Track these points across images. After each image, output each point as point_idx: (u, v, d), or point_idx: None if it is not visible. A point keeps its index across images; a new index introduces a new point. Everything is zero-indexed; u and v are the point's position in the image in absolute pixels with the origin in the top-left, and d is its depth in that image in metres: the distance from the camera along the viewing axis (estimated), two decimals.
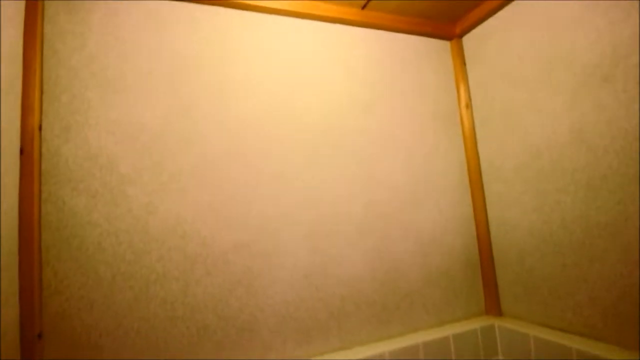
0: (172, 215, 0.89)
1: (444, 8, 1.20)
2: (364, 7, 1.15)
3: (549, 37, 1.01)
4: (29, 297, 0.74)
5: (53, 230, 0.80)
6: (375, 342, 1.04)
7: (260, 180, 0.99)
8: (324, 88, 1.11)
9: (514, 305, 1.15)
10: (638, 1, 0.81)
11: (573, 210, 0.96)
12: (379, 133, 1.16)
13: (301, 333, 0.97)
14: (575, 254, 0.96)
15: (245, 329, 0.92)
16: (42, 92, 0.83)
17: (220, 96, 0.98)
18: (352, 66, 1.16)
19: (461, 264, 1.21)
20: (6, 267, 0.70)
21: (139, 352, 0.82)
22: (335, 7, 1.13)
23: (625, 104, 0.84)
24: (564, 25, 0.97)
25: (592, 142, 0.91)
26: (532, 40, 1.06)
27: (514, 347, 1.06)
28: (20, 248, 0.75)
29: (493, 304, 1.20)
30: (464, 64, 1.31)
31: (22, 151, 0.78)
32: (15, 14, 0.78)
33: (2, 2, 0.72)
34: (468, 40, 1.30)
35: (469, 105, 1.29)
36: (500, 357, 1.11)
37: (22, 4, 0.81)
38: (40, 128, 0.81)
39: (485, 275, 1.22)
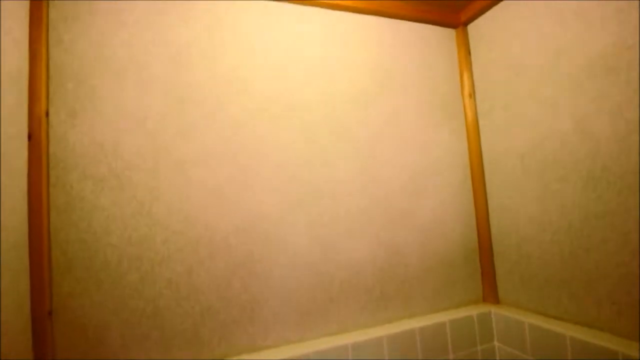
0: (175, 199, 0.91)
1: None
2: None
3: (553, 27, 1.00)
4: (39, 276, 0.77)
5: (61, 213, 0.82)
6: (373, 326, 1.07)
7: (262, 168, 1.01)
8: (326, 78, 1.11)
9: (511, 293, 1.16)
10: None
11: (573, 199, 0.96)
12: (381, 120, 1.17)
13: (301, 315, 1.00)
14: (573, 243, 0.97)
15: (247, 310, 0.95)
16: (48, 78, 0.84)
17: (226, 82, 0.99)
18: (355, 54, 1.16)
19: (460, 252, 1.23)
20: (17, 246, 0.73)
21: (145, 331, 0.86)
22: None
23: (628, 95, 0.83)
24: (568, 15, 0.96)
25: (593, 133, 0.91)
26: (536, 29, 1.05)
27: (509, 334, 1.08)
28: (30, 229, 0.78)
29: (490, 292, 1.21)
30: (469, 52, 1.29)
31: (30, 137, 0.80)
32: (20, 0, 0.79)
33: None
34: (473, 28, 1.28)
35: (472, 95, 1.28)
36: (496, 344, 1.13)
37: None
38: (47, 114, 0.83)
39: (484, 263, 1.23)
